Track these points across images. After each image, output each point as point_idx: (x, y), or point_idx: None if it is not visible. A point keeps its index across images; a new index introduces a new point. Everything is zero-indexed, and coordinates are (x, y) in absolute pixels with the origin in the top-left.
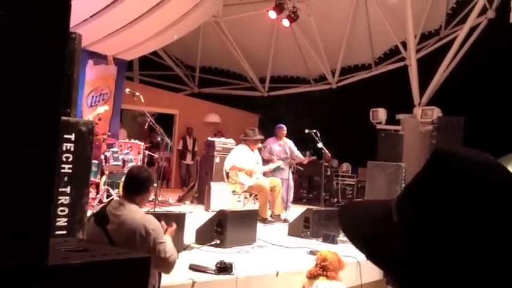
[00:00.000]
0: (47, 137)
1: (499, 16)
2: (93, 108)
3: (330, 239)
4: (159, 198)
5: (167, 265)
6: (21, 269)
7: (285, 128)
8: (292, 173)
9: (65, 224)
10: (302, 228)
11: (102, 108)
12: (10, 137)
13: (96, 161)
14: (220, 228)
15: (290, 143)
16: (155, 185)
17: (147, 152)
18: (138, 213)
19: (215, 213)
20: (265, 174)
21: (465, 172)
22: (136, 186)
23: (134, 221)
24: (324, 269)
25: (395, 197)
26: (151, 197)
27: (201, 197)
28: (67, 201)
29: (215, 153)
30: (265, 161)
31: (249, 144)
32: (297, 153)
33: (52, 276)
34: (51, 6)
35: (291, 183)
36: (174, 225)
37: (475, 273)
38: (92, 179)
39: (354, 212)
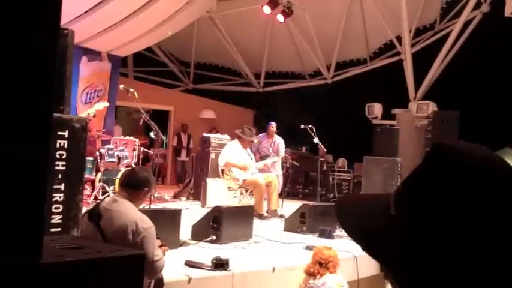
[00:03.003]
0: (39, 134)
1: (493, 10)
2: (88, 105)
3: (326, 234)
4: (155, 195)
5: (152, 269)
6: (14, 267)
7: (273, 124)
8: (288, 168)
9: (59, 221)
10: (298, 223)
11: (102, 105)
12: (1, 135)
13: (91, 158)
14: (216, 224)
15: (279, 141)
16: (153, 191)
17: (142, 149)
18: (131, 210)
19: (211, 209)
20: (261, 170)
21: (465, 166)
22: (133, 182)
23: (127, 217)
24: (328, 266)
25: (393, 191)
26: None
27: (197, 193)
28: (61, 199)
29: (211, 149)
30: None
31: (242, 142)
32: (282, 152)
33: (46, 274)
34: (41, 2)
35: (281, 179)
36: (167, 248)
37: (475, 268)
38: (87, 176)
39: (352, 205)
